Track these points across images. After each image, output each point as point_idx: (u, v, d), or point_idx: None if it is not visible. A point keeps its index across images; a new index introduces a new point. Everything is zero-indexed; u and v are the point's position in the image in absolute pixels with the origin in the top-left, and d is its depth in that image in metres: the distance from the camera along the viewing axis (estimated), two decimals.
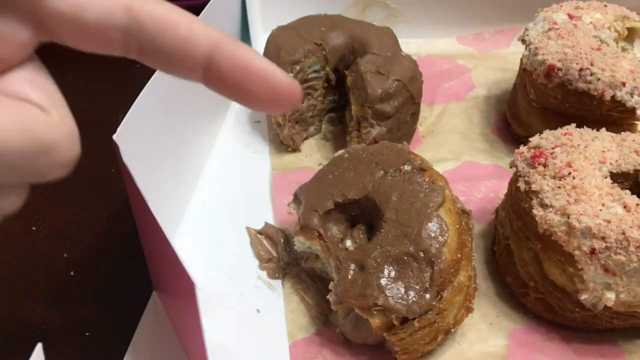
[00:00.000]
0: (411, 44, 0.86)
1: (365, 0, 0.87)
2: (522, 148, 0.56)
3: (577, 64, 0.63)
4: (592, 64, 0.62)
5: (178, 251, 0.36)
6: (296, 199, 0.57)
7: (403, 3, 0.87)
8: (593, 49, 0.64)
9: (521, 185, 0.53)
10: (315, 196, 0.55)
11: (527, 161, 0.54)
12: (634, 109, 0.62)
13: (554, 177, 0.51)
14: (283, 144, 0.71)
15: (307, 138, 0.73)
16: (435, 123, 0.75)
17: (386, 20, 0.88)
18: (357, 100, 0.67)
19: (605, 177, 0.51)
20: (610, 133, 0.57)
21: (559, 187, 0.50)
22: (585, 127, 0.61)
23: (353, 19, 0.76)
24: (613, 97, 0.62)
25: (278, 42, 0.70)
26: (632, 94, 0.62)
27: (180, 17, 0.30)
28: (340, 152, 0.58)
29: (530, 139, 0.56)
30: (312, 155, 0.71)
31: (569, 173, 0.51)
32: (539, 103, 0.68)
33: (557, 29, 0.67)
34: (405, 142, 0.66)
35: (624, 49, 0.73)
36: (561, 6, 0.72)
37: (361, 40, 0.71)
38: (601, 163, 0.53)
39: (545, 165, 0.52)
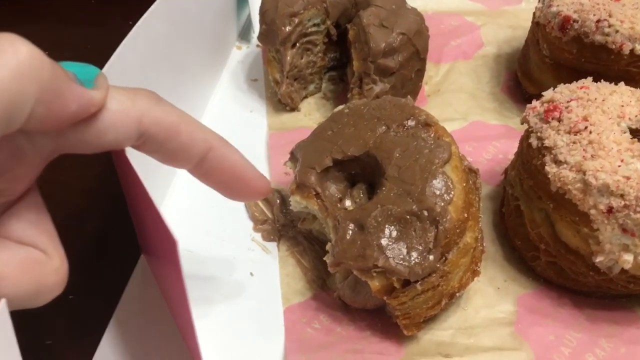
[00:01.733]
0: (418, 0, 0.81)
1: None
2: (535, 103, 0.52)
3: (594, 15, 0.58)
4: (610, 15, 0.58)
5: (160, 210, 0.33)
6: (293, 156, 0.54)
7: None
8: (612, 0, 0.60)
9: (533, 141, 0.49)
10: (312, 153, 0.52)
11: (540, 116, 0.50)
12: None
13: (569, 132, 0.47)
14: (281, 103, 0.68)
15: (306, 97, 0.69)
16: (441, 82, 0.71)
17: None
18: (359, 54, 0.63)
19: (624, 133, 0.48)
20: (629, 87, 0.53)
21: (574, 143, 0.46)
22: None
23: None
24: (632, 50, 0.57)
25: None
26: None
27: (184, 125, 0.36)
28: (340, 107, 0.55)
29: (543, 93, 0.52)
30: (312, 115, 0.67)
31: (585, 127, 0.47)
32: (553, 59, 0.64)
33: None
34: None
35: None
36: None
37: None
38: (620, 118, 0.49)
39: (559, 120, 0.49)
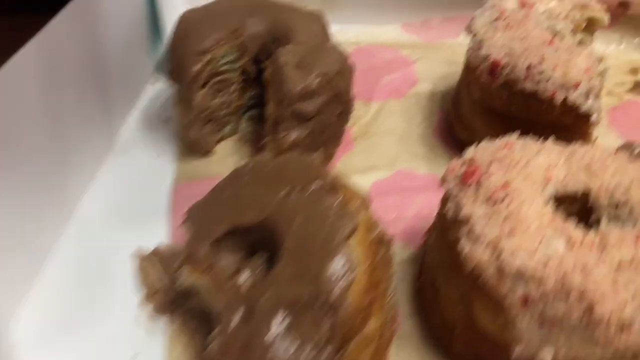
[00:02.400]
0: (350, 31, 0.77)
1: None
2: (455, 162, 0.47)
3: (525, 60, 0.54)
4: (542, 61, 0.53)
5: None
6: (189, 219, 0.48)
7: None
8: (545, 42, 0.56)
9: (449, 209, 0.44)
10: (206, 219, 0.46)
11: (459, 179, 0.45)
12: (588, 114, 0.54)
13: (487, 201, 0.42)
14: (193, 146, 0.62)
15: (221, 140, 0.63)
16: (370, 123, 0.66)
17: (324, 3, 0.78)
18: (274, 97, 0.57)
19: (548, 202, 0.43)
20: (558, 145, 0.48)
21: (492, 215, 0.41)
22: (533, 133, 0.53)
23: (281, 1, 0.66)
24: (565, 99, 0.53)
25: (187, 26, 0.60)
26: (586, 97, 0.53)
27: None
28: (243, 163, 0.49)
29: (466, 149, 0.48)
30: (227, 160, 0.62)
31: (505, 197, 0.42)
32: (483, 104, 0.59)
33: (505, 18, 0.59)
34: (326, 149, 0.57)
35: (581, 42, 0.65)
36: None
37: (285, 27, 0.62)
38: (545, 183, 0.44)
39: (478, 186, 0.44)
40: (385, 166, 0.61)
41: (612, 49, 0.75)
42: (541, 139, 0.49)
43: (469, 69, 0.59)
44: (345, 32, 0.76)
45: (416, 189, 0.58)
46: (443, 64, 0.73)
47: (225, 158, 0.61)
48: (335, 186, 0.45)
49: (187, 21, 0.61)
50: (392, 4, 0.77)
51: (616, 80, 0.71)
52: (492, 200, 0.42)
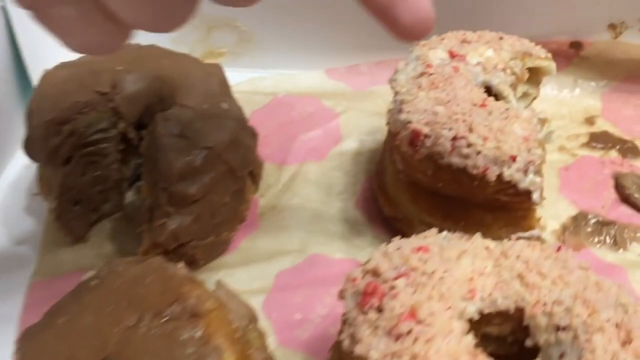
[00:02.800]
0: (267, 79, 0.67)
1: (208, 20, 0.67)
2: (356, 271, 0.37)
3: (450, 129, 0.44)
4: (470, 130, 0.44)
5: None
6: (20, 350, 0.37)
7: (259, 25, 0.67)
8: (475, 105, 0.46)
9: (345, 339, 0.34)
10: (40, 351, 0.36)
11: (358, 298, 0.35)
12: (528, 192, 0.44)
13: (389, 335, 0.32)
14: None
15: (99, 220, 0.53)
16: (282, 193, 0.56)
17: (238, 45, 0.69)
18: (148, 178, 0.47)
19: (469, 331, 0.33)
20: (486, 243, 0.38)
21: (394, 355, 0.32)
22: (465, 213, 0.44)
23: (171, 51, 0.56)
24: (500, 175, 0.43)
25: (47, 89, 0.50)
26: (525, 172, 0.44)
27: None
28: (89, 274, 0.39)
29: (371, 257, 0.38)
30: (103, 248, 0.51)
31: (410, 331, 0.32)
32: (408, 176, 0.49)
33: (430, 74, 0.49)
34: (218, 236, 0.47)
35: (526, 95, 0.56)
36: (443, 39, 0.54)
37: (172, 84, 0.52)
38: (467, 300, 0.35)
39: (379, 310, 0.34)
40: (295, 250, 0.51)
41: (565, 95, 0.66)
42: (465, 237, 0.39)
43: (391, 133, 0.50)
44: (262, 80, 0.66)
45: (330, 280, 0.48)
46: (372, 116, 0.63)
47: (101, 245, 0.51)
48: (197, 312, 0.35)
49: (50, 81, 0.50)
50: (316, 46, 0.67)
51: (569, 132, 0.62)
52: (394, 335, 0.32)
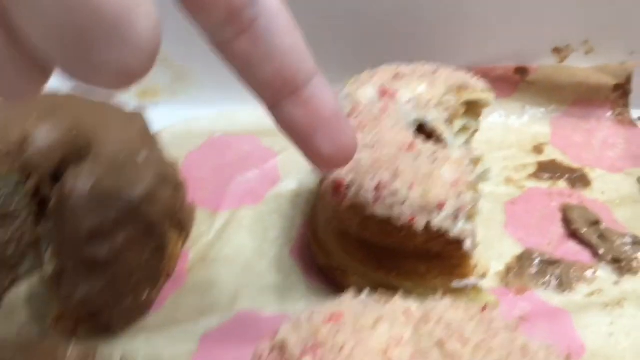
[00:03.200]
0: (203, 119, 0.64)
1: None
2: (264, 346, 0.34)
3: (373, 177, 0.42)
4: (395, 177, 0.41)
5: None
6: None
7: (194, 59, 0.64)
8: (402, 148, 0.44)
9: None
10: None
11: None
12: (460, 240, 0.42)
13: None
14: None
15: (11, 286, 0.49)
16: (213, 242, 0.53)
17: (175, 84, 0.66)
18: (55, 239, 0.44)
19: None
20: (406, 305, 0.36)
21: None
22: (396, 263, 0.42)
23: (90, 100, 0.53)
24: (428, 225, 0.41)
25: None
26: (455, 219, 0.41)
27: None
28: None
29: (279, 329, 0.35)
30: (17, 313, 0.48)
31: None
32: (338, 226, 0.46)
33: (358, 115, 0.47)
34: (136, 297, 0.44)
35: (465, 129, 0.53)
36: (374, 75, 0.51)
37: (88, 134, 0.49)
38: None
39: None
40: (223, 308, 0.48)
41: (513, 122, 0.64)
42: (384, 299, 0.36)
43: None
44: (198, 120, 0.64)
45: (258, 340, 0.45)
46: None
47: (13, 313, 0.47)
48: None
49: None
50: None
51: (517, 162, 0.60)
52: None
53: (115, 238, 0.44)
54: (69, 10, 0.19)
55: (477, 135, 0.55)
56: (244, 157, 0.60)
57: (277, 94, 0.29)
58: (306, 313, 0.35)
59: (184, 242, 0.53)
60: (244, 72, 0.29)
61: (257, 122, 0.64)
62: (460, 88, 0.51)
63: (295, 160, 0.60)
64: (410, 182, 0.41)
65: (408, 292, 0.40)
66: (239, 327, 0.47)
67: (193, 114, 0.64)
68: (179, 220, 0.50)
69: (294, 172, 0.59)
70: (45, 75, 0.24)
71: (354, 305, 0.36)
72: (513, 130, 0.63)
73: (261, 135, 0.62)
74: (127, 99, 0.64)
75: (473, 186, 0.43)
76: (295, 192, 0.57)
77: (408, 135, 0.45)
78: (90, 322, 0.44)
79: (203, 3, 0.25)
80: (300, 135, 0.30)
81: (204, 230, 0.54)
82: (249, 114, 0.64)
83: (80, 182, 0.44)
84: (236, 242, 0.53)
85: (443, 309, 0.36)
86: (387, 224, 0.42)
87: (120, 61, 0.20)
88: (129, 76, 0.21)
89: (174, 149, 0.60)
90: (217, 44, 0.28)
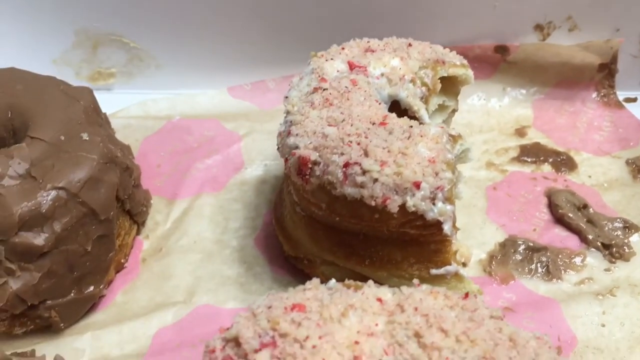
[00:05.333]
0: (161, 101, 0.59)
1: (93, 36, 0.59)
2: (216, 339, 0.30)
3: (342, 154, 0.37)
4: (365, 154, 0.37)
5: None
6: None
7: (151, 41, 0.60)
8: (374, 123, 0.39)
9: None
10: None
11: None
12: (438, 223, 0.38)
13: None
14: None
15: None
16: (170, 232, 0.49)
17: (129, 65, 0.61)
18: None
19: None
20: (380, 293, 0.32)
21: None
22: (370, 251, 0.38)
23: (33, 74, 0.48)
24: (403, 206, 0.37)
25: None
26: (433, 200, 0.37)
27: None
28: None
29: (234, 321, 0.30)
30: None
31: None
32: (304, 210, 0.42)
33: (324, 90, 0.42)
34: (80, 291, 0.40)
35: (443, 107, 0.49)
36: (343, 48, 0.47)
37: (26, 113, 0.44)
38: None
39: None
40: (179, 302, 0.44)
41: (493, 105, 0.60)
42: (354, 286, 0.32)
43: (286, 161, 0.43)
44: (155, 103, 0.59)
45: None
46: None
47: None
48: None
49: None
50: (216, 62, 0.60)
51: (498, 146, 0.56)
52: None
53: (53, 226, 0.39)
54: None
55: (456, 118, 0.52)
56: (205, 142, 0.56)
57: None
58: (265, 301, 0.31)
59: (137, 232, 0.48)
60: None
61: (219, 105, 0.60)
62: (437, 63, 0.47)
63: (260, 145, 0.56)
64: (383, 159, 0.37)
65: (382, 283, 0.36)
66: (197, 323, 0.42)
67: (150, 97, 0.59)
68: (131, 208, 0.46)
69: (259, 157, 0.55)
70: None
71: (319, 293, 0.31)
72: (494, 112, 0.59)
73: (223, 119, 0.58)
74: (77, 81, 0.59)
75: (452, 165, 0.39)
76: (260, 179, 0.53)
77: (380, 109, 0.41)
78: (29, 318, 0.40)
79: None
80: None
81: (160, 220, 0.49)
82: (209, 97, 0.60)
83: (14, 164, 0.40)
84: (195, 231, 0.48)
85: (420, 296, 0.31)
86: (357, 206, 0.38)
87: None
88: None
89: (129, 133, 0.56)
90: None
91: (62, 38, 0.59)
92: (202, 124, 0.57)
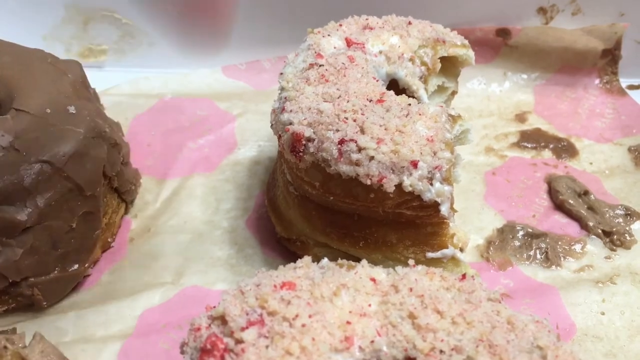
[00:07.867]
0: (153, 79, 0.58)
1: (83, 12, 0.57)
2: (202, 317, 0.29)
3: (337, 131, 0.36)
4: (361, 131, 0.36)
5: None
6: None
7: (143, 17, 0.58)
8: (371, 100, 0.38)
9: None
10: None
11: (195, 354, 0.27)
12: (436, 204, 0.36)
13: None
14: None
15: None
16: (159, 212, 0.47)
17: (121, 42, 0.59)
18: None
19: None
20: (374, 272, 0.30)
21: None
22: (364, 232, 0.36)
23: (20, 47, 0.46)
24: (399, 186, 0.35)
25: None
26: (430, 180, 0.36)
27: None
28: None
29: (221, 299, 0.29)
30: None
31: None
32: (298, 190, 0.41)
33: (320, 66, 0.41)
34: (63, 268, 0.38)
35: (442, 89, 0.48)
36: (340, 25, 0.45)
37: (11, 84, 0.42)
38: (339, 351, 0.27)
39: None
40: (167, 282, 0.42)
41: (494, 89, 0.59)
42: (347, 265, 0.31)
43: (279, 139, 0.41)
44: (147, 80, 0.57)
45: None
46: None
47: None
48: None
49: None
50: (211, 40, 0.59)
51: (498, 131, 0.55)
52: None
53: (36, 200, 0.37)
54: None
55: (456, 102, 0.50)
56: (198, 121, 0.54)
57: None
58: (254, 279, 0.30)
59: (126, 211, 0.47)
60: None
61: (213, 84, 0.58)
62: (437, 42, 0.46)
63: (254, 126, 0.55)
64: (380, 136, 0.36)
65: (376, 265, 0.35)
66: (185, 304, 0.41)
67: (142, 75, 0.58)
68: (119, 186, 0.44)
69: (253, 138, 0.53)
70: None
71: (310, 272, 0.30)
72: (494, 97, 0.58)
73: (217, 98, 0.56)
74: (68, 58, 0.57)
75: (450, 145, 0.37)
76: (253, 160, 0.52)
77: (377, 86, 0.40)
78: (10, 296, 0.38)
79: None
80: None
81: (150, 199, 0.48)
82: (203, 76, 0.59)
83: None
84: (185, 212, 0.47)
85: (416, 277, 0.30)
86: (352, 185, 0.36)
87: None
88: None
89: (119, 111, 0.54)
90: None
91: (52, 13, 0.57)
92: (195, 103, 0.56)
